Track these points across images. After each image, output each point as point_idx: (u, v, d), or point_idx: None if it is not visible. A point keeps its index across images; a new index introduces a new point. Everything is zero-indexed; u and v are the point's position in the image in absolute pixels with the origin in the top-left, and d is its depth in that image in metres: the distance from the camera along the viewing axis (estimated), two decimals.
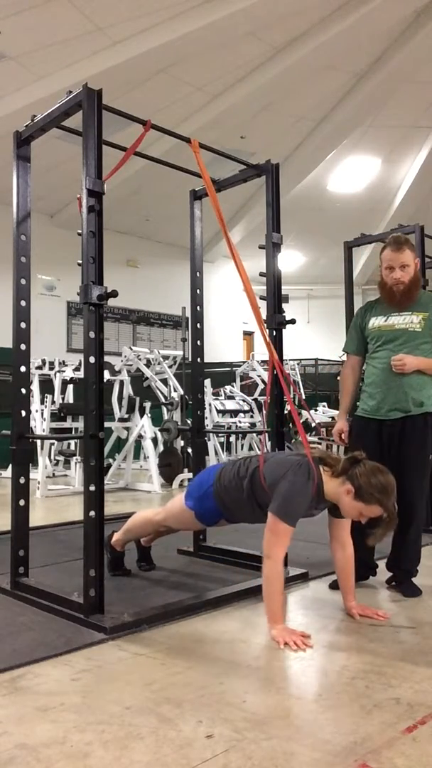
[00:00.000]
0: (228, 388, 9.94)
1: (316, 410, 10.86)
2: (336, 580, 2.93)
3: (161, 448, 7.55)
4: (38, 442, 7.01)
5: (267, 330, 3.27)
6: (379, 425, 3.04)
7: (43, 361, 8.59)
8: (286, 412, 3.35)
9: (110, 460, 7.87)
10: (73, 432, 7.51)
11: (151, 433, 7.33)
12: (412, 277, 3.02)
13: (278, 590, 2.48)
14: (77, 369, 8.35)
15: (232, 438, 10.13)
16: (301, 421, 9.71)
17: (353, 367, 3.27)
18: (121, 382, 7.92)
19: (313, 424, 10.02)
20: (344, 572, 2.70)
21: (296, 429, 2.88)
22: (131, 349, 8.16)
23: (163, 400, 7.79)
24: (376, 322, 3.12)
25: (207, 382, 8.02)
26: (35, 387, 7.59)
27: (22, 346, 3.02)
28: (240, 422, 8.99)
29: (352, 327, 3.29)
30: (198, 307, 3.81)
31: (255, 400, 9.70)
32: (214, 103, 10.07)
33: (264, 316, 3.31)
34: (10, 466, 3.48)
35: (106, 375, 7.52)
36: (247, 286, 2.81)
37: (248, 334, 17.36)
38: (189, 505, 2.88)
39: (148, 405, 7.46)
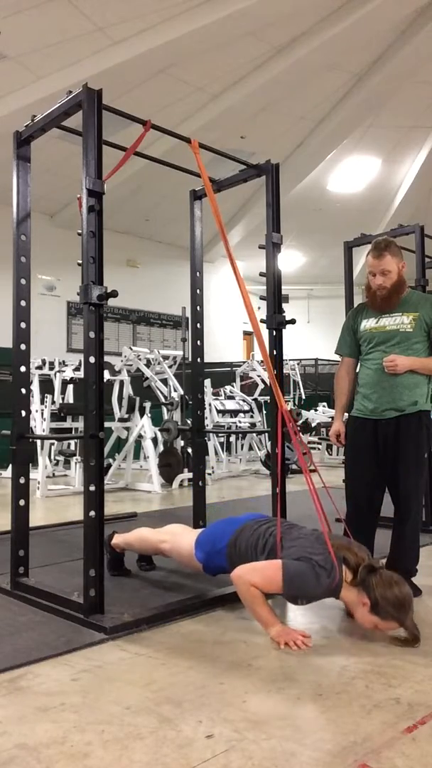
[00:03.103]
0: (228, 388, 9.94)
1: (316, 410, 10.86)
2: None
3: (161, 448, 7.54)
4: (38, 442, 7.01)
5: (267, 330, 3.28)
6: (374, 424, 3.04)
7: (43, 361, 8.58)
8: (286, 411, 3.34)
9: (110, 460, 7.87)
10: (73, 432, 7.51)
11: (151, 433, 7.33)
12: (395, 282, 3.02)
13: (255, 596, 2.42)
14: (77, 369, 8.34)
15: (232, 438, 10.13)
16: (301, 422, 9.71)
17: (348, 369, 3.28)
18: (121, 382, 7.92)
19: (313, 425, 10.04)
20: None
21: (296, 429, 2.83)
22: (131, 349, 8.16)
23: (163, 400, 7.79)
24: (367, 324, 3.13)
25: (207, 382, 8.02)
26: (35, 387, 7.58)
27: (22, 346, 3.02)
28: (240, 422, 8.99)
29: (344, 330, 3.30)
30: (198, 307, 3.81)
31: (255, 400, 9.70)
32: (214, 103, 10.07)
33: (264, 316, 3.32)
34: (10, 466, 3.49)
35: (106, 375, 7.52)
36: (243, 294, 2.80)
37: (248, 334, 17.35)
38: (198, 557, 2.82)
39: (148, 405, 7.46)
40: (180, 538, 2.97)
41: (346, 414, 3.30)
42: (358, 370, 3.25)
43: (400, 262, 3.05)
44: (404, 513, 2.98)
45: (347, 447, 3.17)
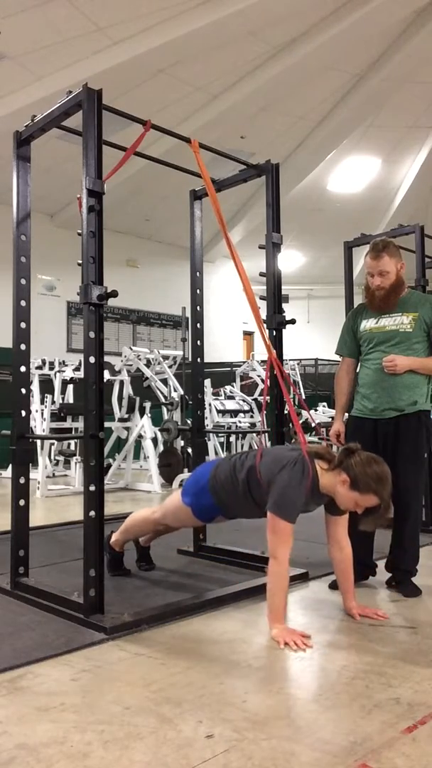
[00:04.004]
0: (228, 388, 9.94)
1: (316, 410, 10.86)
2: (335, 580, 2.93)
3: (161, 448, 7.55)
4: (38, 442, 7.01)
5: (267, 331, 3.28)
6: (374, 424, 3.05)
7: (43, 361, 8.59)
8: (285, 412, 3.35)
9: (110, 460, 7.87)
10: (73, 432, 7.51)
11: (151, 433, 7.33)
12: (393, 282, 3.03)
13: (282, 588, 2.48)
14: (77, 369, 8.34)
15: (232, 438, 10.13)
16: (301, 421, 9.72)
17: (348, 370, 3.28)
18: (121, 382, 7.92)
19: (313, 424, 10.02)
20: (343, 573, 2.70)
21: (295, 429, 2.87)
22: (131, 349, 8.16)
23: (163, 400, 7.79)
24: (367, 324, 3.14)
25: (207, 382, 8.01)
26: (35, 387, 7.58)
27: (22, 346, 3.02)
28: (240, 422, 8.98)
29: (344, 330, 3.30)
30: (198, 307, 3.81)
31: (255, 400, 9.70)
32: (214, 103, 10.07)
33: (264, 316, 3.32)
34: (10, 466, 3.48)
35: (106, 375, 7.52)
36: (247, 288, 2.80)
37: (248, 334, 17.36)
38: (186, 501, 2.88)
39: (148, 405, 7.46)
40: (168, 501, 3.05)
41: (346, 414, 3.30)
42: (358, 371, 3.25)
43: (399, 263, 3.05)
44: (404, 512, 2.98)
45: None
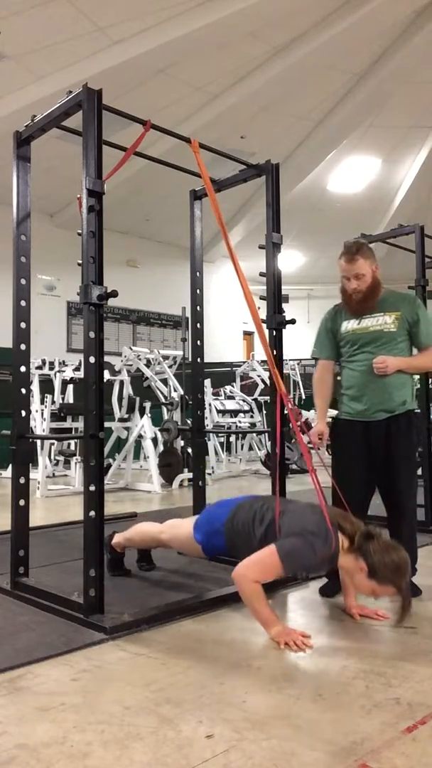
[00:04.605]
0: (228, 388, 9.94)
1: (315, 410, 10.84)
2: (326, 584, 2.93)
3: (161, 448, 7.55)
4: (38, 442, 7.01)
5: (267, 331, 3.28)
6: (364, 426, 3.03)
7: (43, 361, 8.59)
8: (285, 412, 3.34)
9: (110, 460, 7.87)
10: (73, 432, 7.51)
11: (151, 433, 7.33)
12: (369, 284, 3.01)
13: (258, 597, 2.43)
14: (77, 369, 8.34)
15: (232, 438, 10.13)
16: (299, 423, 9.72)
17: (328, 372, 3.23)
18: (121, 382, 7.92)
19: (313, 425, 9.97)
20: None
21: (294, 431, 2.86)
22: (131, 349, 8.16)
23: (163, 400, 7.79)
24: (348, 325, 3.10)
25: (207, 382, 8.02)
26: (35, 387, 7.58)
27: (22, 346, 3.02)
28: (240, 422, 8.99)
29: (321, 333, 3.23)
30: (198, 307, 3.81)
31: (255, 400, 9.70)
32: (214, 103, 10.06)
33: (264, 316, 3.31)
34: (10, 466, 3.48)
35: (106, 375, 7.52)
36: (247, 294, 2.79)
37: (248, 334, 17.35)
38: (197, 538, 2.85)
39: (148, 405, 7.46)
40: (178, 526, 3.01)
41: (329, 419, 3.28)
42: (339, 372, 3.22)
43: (374, 264, 3.03)
44: (401, 512, 2.99)
45: (335, 449, 3.15)
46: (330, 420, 3.22)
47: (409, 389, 3.06)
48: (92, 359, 2.55)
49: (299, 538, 2.41)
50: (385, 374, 2.97)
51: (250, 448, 9.96)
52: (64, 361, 8.84)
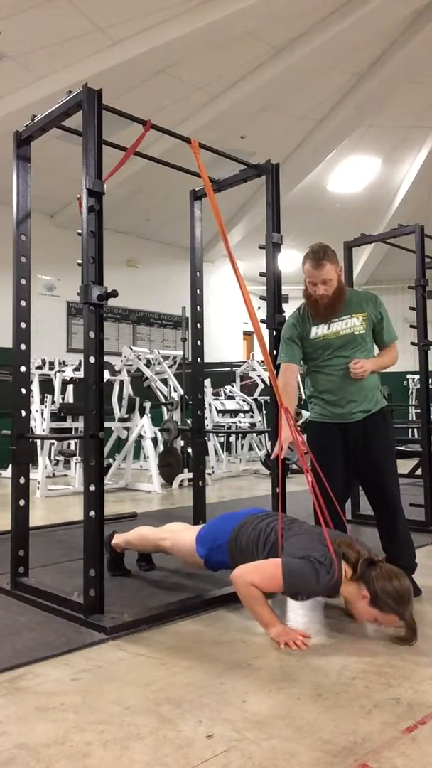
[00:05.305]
0: (228, 388, 9.94)
1: None
2: None
3: (161, 448, 7.54)
4: (38, 442, 7.01)
5: (267, 330, 3.28)
6: (342, 428, 3.05)
7: (43, 361, 8.58)
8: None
9: (110, 460, 7.87)
10: (73, 432, 7.51)
11: (151, 433, 7.33)
12: (336, 289, 3.01)
13: (257, 598, 2.43)
14: (77, 369, 8.34)
15: (232, 438, 10.12)
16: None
17: (294, 376, 3.20)
18: (121, 382, 7.92)
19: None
20: None
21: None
22: (131, 349, 8.16)
23: (163, 400, 7.79)
24: (318, 331, 3.09)
25: (207, 382, 8.02)
26: (35, 387, 7.59)
27: (22, 346, 3.02)
28: (240, 422, 8.98)
29: (287, 339, 3.16)
30: (198, 307, 3.81)
31: (255, 400, 9.69)
32: (214, 103, 10.05)
33: (264, 316, 3.32)
34: (10, 466, 3.48)
35: (106, 375, 7.52)
36: (246, 298, 2.79)
37: (248, 334, 17.34)
38: (200, 553, 2.84)
39: (148, 405, 7.46)
40: (180, 535, 2.99)
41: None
42: (309, 377, 3.21)
43: (338, 268, 3.03)
44: (393, 509, 3.01)
45: (313, 452, 3.12)
46: (299, 426, 3.23)
47: (378, 387, 3.14)
48: (92, 359, 2.55)
49: (306, 563, 2.40)
50: (363, 377, 2.99)
51: (250, 448, 9.96)
52: (64, 361, 8.84)
